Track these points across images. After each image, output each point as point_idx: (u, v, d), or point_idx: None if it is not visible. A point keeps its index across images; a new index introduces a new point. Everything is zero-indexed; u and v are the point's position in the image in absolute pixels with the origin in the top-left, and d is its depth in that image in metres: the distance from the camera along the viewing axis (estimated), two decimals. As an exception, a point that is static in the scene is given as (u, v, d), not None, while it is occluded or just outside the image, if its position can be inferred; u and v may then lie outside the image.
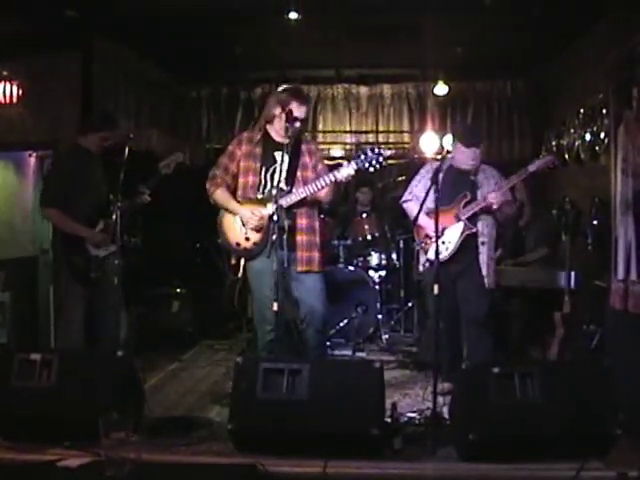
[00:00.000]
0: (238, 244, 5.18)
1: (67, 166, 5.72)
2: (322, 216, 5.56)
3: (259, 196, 5.10)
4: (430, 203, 5.06)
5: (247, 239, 5.13)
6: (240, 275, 5.50)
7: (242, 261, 5.34)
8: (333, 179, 4.94)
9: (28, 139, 7.01)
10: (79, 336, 5.64)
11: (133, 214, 5.74)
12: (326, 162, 5.61)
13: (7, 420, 4.25)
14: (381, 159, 4.84)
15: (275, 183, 5.05)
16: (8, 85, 6.90)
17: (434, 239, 5.38)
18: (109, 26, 6.83)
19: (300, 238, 5.13)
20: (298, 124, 5.10)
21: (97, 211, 5.59)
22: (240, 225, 5.14)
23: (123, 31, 7.05)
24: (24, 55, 6.83)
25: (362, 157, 4.85)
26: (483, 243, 5.53)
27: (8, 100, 6.91)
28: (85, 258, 5.57)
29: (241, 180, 5.22)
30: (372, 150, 4.85)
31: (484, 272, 5.51)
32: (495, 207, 5.44)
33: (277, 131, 5.17)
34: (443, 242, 5.50)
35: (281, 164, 5.09)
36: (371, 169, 4.88)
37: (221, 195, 5.22)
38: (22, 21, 6.31)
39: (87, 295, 5.67)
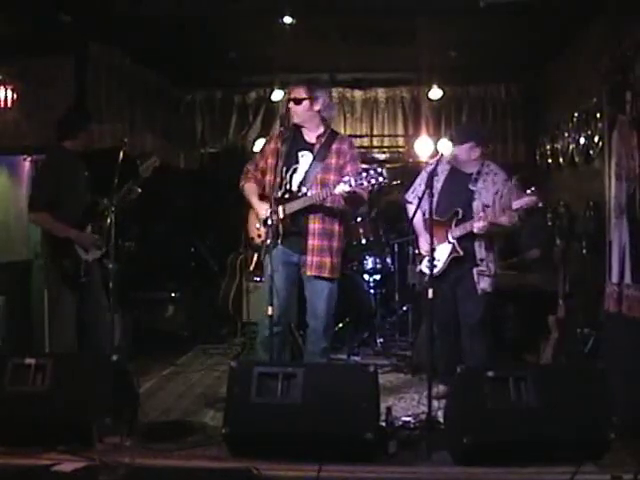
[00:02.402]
0: (252, 238, 5.37)
1: (55, 170, 5.70)
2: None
3: (278, 195, 5.11)
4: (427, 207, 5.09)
5: (259, 235, 5.26)
6: (252, 269, 5.61)
7: (255, 256, 5.41)
8: (330, 193, 4.95)
9: (22, 143, 6.99)
10: (72, 340, 5.64)
11: (126, 218, 5.74)
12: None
13: (1, 424, 4.23)
14: (381, 179, 4.78)
15: (293, 184, 5.12)
16: (2, 89, 6.88)
17: (426, 252, 5.45)
18: (103, 30, 6.83)
19: (312, 242, 5.12)
20: (290, 104, 5.18)
21: (85, 214, 5.60)
22: (256, 221, 5.26)
23: (117, 35, 7.05)
24: (18, 59, 6.81)
25: (363, 175, 4.80)
26: (482, 260, 5.51)
27: (2, 104, 6.89)
28: (75, 262, 5.55)
29: (268, 178, 5.26)
30: (375, 169, 4.79)
31: (476, 278, 5.51)
32: (480, 233, 5.42)
33: (305, 128, 5.22)
34: (434, 258, 5.46)
35: (303, 165, 5.18)
36: (369, 188, 4.88)
37: (248, 189, 5.34)
38: (16, 25, 6.29)
39: (77, 299, 5.67)
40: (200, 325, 8.26)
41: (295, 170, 5.14)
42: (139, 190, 5.71)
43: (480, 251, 5.52)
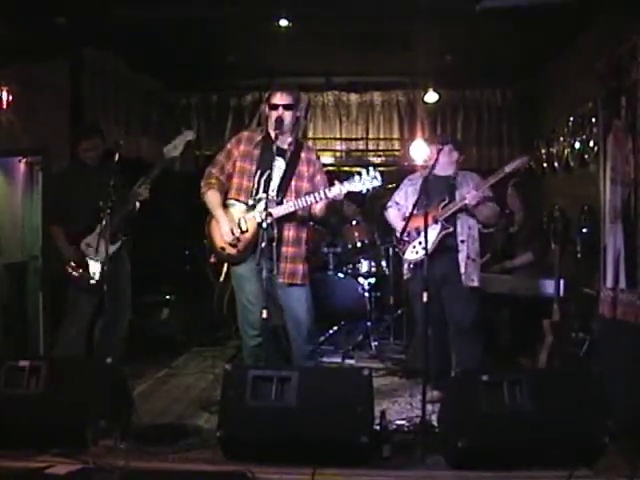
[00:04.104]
0: (223, 248, 5.17)
1: (63, 183, 6.02)
2: (311, 223, 5.51)
3: (250, 202, 5.09)
4: (410, 208, 5.39)
5: (232, 245, 5.11)
6: (222, 279, 5.50)
7: (225, 266, 5.32)
8: (323, 196, 4.92)
9: (17, 145, 7.00)
10: (78, 340, 5.74)
11: (124, 220, 5.79)
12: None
13: (-5, 427, 4.23)
14: (375, 183, 4.82)
15: (268, 190, 4.98)
16: (-2, 90, 6.90)
17: (409, 241, 5.71)
18: (98, 34, 6.82)
19: (285, 250, 5.07)
20: (280, 111, 5.05)
21: (95, 218, 5.65)
22: (228, 228, 5.11)
23: (112, 39, 7.05)
24: (14, 62, 6.81)
25: (357, 178, 4.82)
26: (463, 241, 5.62)
27: (-2, 105, 6.91)
28: (81, 266, 5.75)
29: (235, 180, 5.18)
30: (367, 172, 4.81)
31: (462, 270, 5.57)
32: (472, 205, 5.54)
33: (280, 134, 5.07)
34: (420, 242, 5.60)
35: (277, 171, 5.08)
36: (364, 191, 4.86)
37: (211, 198, 5.19)
38: (12, 28, 6.29)
39: (95, 300, 5.77)
40: (195, 328, 8.24)
41: (269, 176, 5.03)
42: (147, 191, 5.76)
43: (462, 233, 5.63)
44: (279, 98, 5.08)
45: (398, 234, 5.79)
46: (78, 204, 5.79)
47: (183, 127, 5.89)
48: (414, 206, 5.37)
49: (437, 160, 5.42)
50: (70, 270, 5.77)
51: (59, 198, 5.99)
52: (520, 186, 7.03)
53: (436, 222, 5.57)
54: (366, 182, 4.81)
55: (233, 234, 5.04)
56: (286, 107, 5.07)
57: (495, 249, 7.14)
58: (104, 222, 5.22)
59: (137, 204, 5.83)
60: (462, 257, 5.60)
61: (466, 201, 5.51)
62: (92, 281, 5.72)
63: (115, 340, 5.77)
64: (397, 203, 5.95)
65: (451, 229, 5.58)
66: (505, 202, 6.91)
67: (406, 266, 5.85)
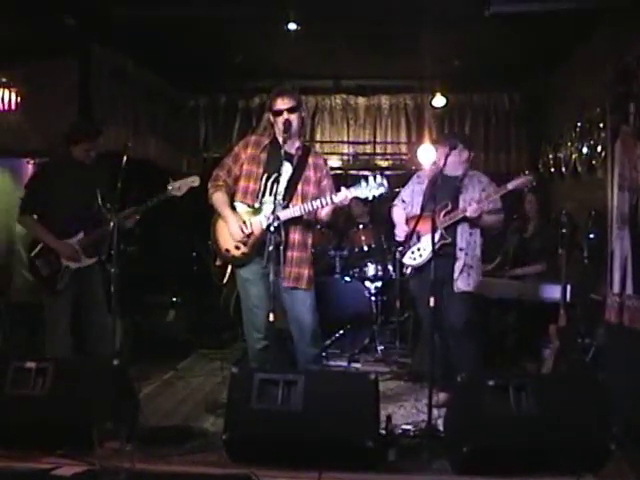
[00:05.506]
0: (227, 250, 5.16)
1: (46, 175, 5.81)
2: (319, 227, 5.50)
3: (256, 205, 5.10)
4: (416, 209, 5.53)
5: (237, 247, 5.11)
6: (225, 281, 5.49)
7: (229, 268, 5.31)
8: (329, 201, 4.91)
9: (26, 146, 7.01)
10: (63, 345, 5.64)
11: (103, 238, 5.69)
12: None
13: (1, 428, 4.23)
14: (382, 189, 4.81)
15: (274, 193, 4.99)
16: (7, 92, 6.90)
17: (406, 245, 5.74)
18: (107, 34, 6.85)
19: (290, 254, 5.07)
20: (285, 115, 5.04)
21: (76, 221, 5.62)
22: (237, 230, 5.10)
23: (121, 39, 7.07)
24: (23, 62, 6.84)
25: (363, 184, 4.82)
26: (461, 249, 5.59)
27: (7, 107, 6.91)
28: (54, 267, 5.59)
29: (242, 184, 5.19)
30: (374, 178, 4.81)
31: (455, 275, 5.55)
32: (473, 218, 5.50)
33: (288, 138, 5.06)
34: (418, 249, 5.65)
35: (284, 175, 5.08)
36: (370, 197, 4.84)
37: (218, 199, 5.18)
38: (20, 28, 6.31)
39: (69, 304, 5.67)
40: (201, 330, 8.25)
41: (277, 179, 5.04)
42: (134, 222, 5.66)
43: (461, 241, 5.60)
44: (282, 103, 5.07)
45: (397, 237, 5.82)
46: (59, 202, 5.61)
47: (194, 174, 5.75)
48: (422, 210, 5.39)
49: (445, 164, 5.40)
50: (39, 266, 5.59)
51: (37, 189, 5.73)
52: (538, 192, 7.03)
53: (436, 229, 5.57)
54: (372, 189, 4.80)
55: (242, 232, 5.04)
56: (290, 110, 5.07)
57: (507, 252, 7.13)
58: (111, 226, 5.17)
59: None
60: (458, 265, 5.57)
61: (467, 213, 5.49)
62: (59, 286, 5.57)
63: (104, 345, 5.55)
64: (403, 201, 5.94)
65: (449, 240, 5.55)
66: (515, 207, 6.91)
67: (408, 269, 5.86)
